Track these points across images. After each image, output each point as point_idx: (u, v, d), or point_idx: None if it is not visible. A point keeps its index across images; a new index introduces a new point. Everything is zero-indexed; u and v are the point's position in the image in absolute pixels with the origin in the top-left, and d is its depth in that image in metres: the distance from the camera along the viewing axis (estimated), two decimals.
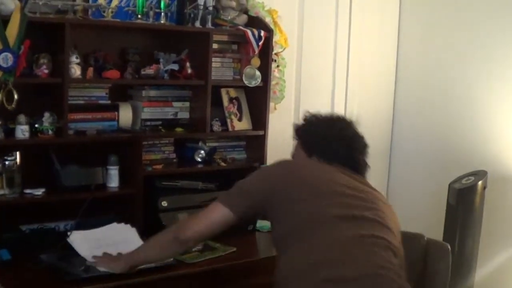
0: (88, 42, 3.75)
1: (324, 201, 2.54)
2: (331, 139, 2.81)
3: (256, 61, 4.05)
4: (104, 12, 3.71)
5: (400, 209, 5.10)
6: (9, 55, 3.26)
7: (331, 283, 2.35)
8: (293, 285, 2.44)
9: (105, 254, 3.15)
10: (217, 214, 2.64)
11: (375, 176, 5.08)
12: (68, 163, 3.64)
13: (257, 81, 4.07)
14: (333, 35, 4.78)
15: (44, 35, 3.54)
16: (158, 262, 3.03)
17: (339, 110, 4.84)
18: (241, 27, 4.02)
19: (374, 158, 5.04)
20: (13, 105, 3.35)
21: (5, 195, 3.47)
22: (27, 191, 3.53)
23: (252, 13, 4.15)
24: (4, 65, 3.26)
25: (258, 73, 4.05)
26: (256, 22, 4.12)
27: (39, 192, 3.53)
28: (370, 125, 4.82)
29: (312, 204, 2.54)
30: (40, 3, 3.45)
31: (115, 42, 3.92)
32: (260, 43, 4.02)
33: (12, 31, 3.29)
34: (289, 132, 4.56)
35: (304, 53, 4.59)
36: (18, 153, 3.51)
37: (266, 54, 4.10)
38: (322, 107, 4.60)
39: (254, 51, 4.02)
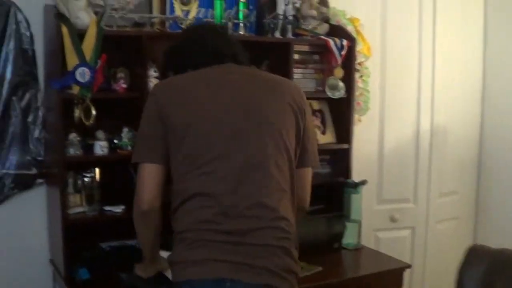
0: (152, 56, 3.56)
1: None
2: (186, 50, 2.68)
3: (339, 72, 3.79)
4: (181, 24, 3.52)
5: (491, 223, 4.91)
6: (86, 70, 3.10)
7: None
8: None
9: None
10: (148, 173, 2.46)
11: (463, 190, 4.86)
12: None
13: (340, 92, 3.81)
14: (416, 42, 4.47)
15: (121, 49, 3.36)
16: (151, 240, 2.76)
17: (425, 120, 4.53)
18: (322, 37, 3.77)
19: (462, 171, 4.84)
20: (91, 121, 3.19)
21: (85, 212, 3.30)
22: (107, 208, 3.36)
23: (333, 22, 3.90)
24: (82, 80, 3.10)
25: (341, 84, 3.79)
26: (337, 31, 3.87)
27: (119, 209, 3.36)
28: (458, 136, 4.51)
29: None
30: (117, 16, 3.28)
31: None
32: (343, 52, 3.76)
33: (88, 45, 3.13)
34: (375, 144, 4.36)
35: (387, 63, 4.30)
36: (97, 169, 3.34)
37: (349, 64, 3.84)
38: (407, 118, 4.38)
39: (336, 61, 3.76)
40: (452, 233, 4.81)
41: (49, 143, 3.40)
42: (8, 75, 3.37)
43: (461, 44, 4.71)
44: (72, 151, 3.22)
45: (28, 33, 3.41)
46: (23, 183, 3.47)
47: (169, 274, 2.80)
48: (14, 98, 3.39)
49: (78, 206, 3.34)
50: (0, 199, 3.43)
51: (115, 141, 3.37)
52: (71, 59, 3.11)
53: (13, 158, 3.42)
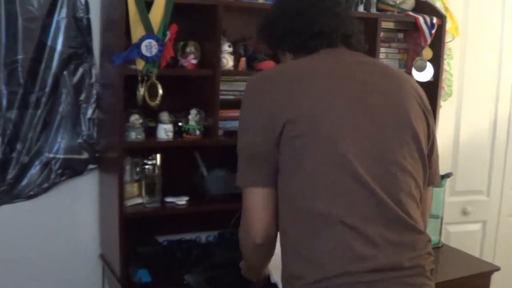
0: (237, 29, 2.93)
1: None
2: (296, 14, 1.98)
3: (428, 52, 3.16)
4: None
5: None
6: (154, 42, 2.50)
7: None
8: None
9: None
10: (261, 201, 1.81)
11: None
12: (214, 168, 2.85)
13: (429, 75, 3.17)
14: (499, 23, 3.84)
15: (191, 19, 2.74)
16: (264, 265, 2.16)
17: (504, 108, 3.91)
18: (411, 13, 3.13)
19: None
20: (157, 101, 2.59)
21: (144, 204, 2.73)
22: (168, 199, 2.80)
23: None
24: (148, 54, 2.50)
25: (430, 65, 3.16)
26: (425, 7, 3.24)
27: (182, 201, 2.79)
28: None
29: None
30: None
31: None
32: (433, 31, 3.13)
33: (157, 15, 2.54)
34: (451, 132, 3.74)
35: (467, 44, 3.66)
36: (158, 156, 2.74)
37: (438, 44, 3.20)
38: (485, 105, 3.78)
39: (426, 41, 3.15)
40: None
41: (105, 125, 2.81)
42: (59, 46, 2.79)
43: None
44: (134, 135, 2.63)
45: (83, 0, 2.79)
46: (72, 169, 2.89)
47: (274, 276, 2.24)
48: (65, 72, 2.81)
49: (136, 196, 2.77)
50: (47, 186, 2.85)
51: (180, 124, 2.77)
52: (136, 30, 2.52)
53: (62, 141, 2.85)
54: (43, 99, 2.76)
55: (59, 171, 2.84)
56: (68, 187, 2.90)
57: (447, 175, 3.22)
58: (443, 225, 3.46)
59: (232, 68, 2.78)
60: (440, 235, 3.28)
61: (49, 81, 2.77)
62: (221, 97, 2.77)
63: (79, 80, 2.83)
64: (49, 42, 2.76)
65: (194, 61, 2.71)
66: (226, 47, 2.75)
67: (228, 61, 2.75)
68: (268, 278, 2.27)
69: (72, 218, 2.94)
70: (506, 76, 3.89)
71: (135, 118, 2.63)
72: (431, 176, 1.92)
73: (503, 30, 3.83)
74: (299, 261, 1.73)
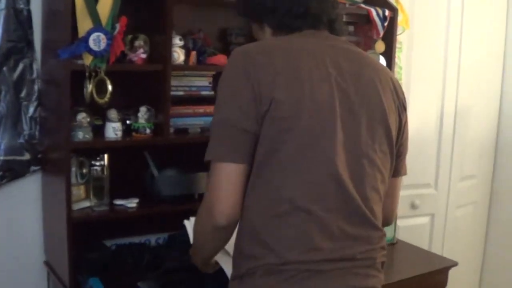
0: (184, 22, 2.78)
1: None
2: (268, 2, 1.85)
3: (380, 46, 3.09)
4: None
5: (506, 208, 4.34)
6: (102, 35, 2.34)
7: None
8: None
9: None
10: (230, 176, 1.65)
11: (481, 173, 4.24)
12: (165, 168, 2.70)
13: None
14: (445, 16, 3.78)
15: (139, 11, 2.58)
16: (214, 254, 1.96)
17: (450, 101, 3.87)
18: (363, 5, 3.05)
19: (481, 154, 4.22)
20: (106, 99, 2.43)
21: (92, 208, 2.56)
22: (117, 202, 2.63)
23: None
24: (96, 48, 2.34)
25: (382, 59, 3.08)
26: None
27: (133, 203, 2.64)
28: (478, 117, 3.99)
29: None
30: None
31: (215, 21, 2.95)
32: (386, 24, 3.05)
33: (105, 6, 2.38)
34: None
35: (415, 37, 3.59)
36: (106, 156, 2.57)
37: (389, 37, 3.13)
38: (432, 97, 3.73)
39: (378, 34, 3.07)
40: (470, 218, 4.23)
41: (49, 123, 2.62)
42: None
43: (484, 24, 4.05)
44: (81, 135, 2.45)
45: None
46: (13, 171, 2.68)
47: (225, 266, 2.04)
48: (4, 68, 2.61)
49: (83, 199, 2.59)
50: None
51: (128, 122, 2.61)
52: (83, 23, 2.35)
53: (2, 141, 2.64)
54: None
55: (0, 173, 2.64)
56: (9, 190, 2.69)
57: None
58: None
59: (183, 63, 2.63)
60: (395, 231, 3.21)
61: None
62: (172, 93, 2.61)
63: (19, 76, 2.63)
64: None
65: (143, 56, 2.55)
66: (177, 41, 2.60)
67: (179, 55, 2.60)
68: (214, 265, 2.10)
69: (14, 223, 2.73)
70: (452, 69, 3.85)
71: (82, 117, 2.45)
72: (401, 167, 1.93)
73: (449, 22, 3.78)
74: (254, 242, 1.68)
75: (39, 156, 2.70)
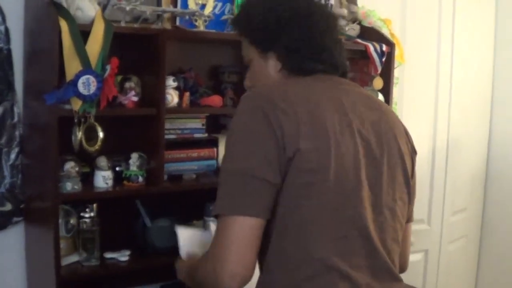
0: (174, 59, 2.54)
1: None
2: (298, 20, 1.66)
3: (379, 82, 2.90)
4: (196, 21, 2.54)
5: (497, 241, 4.18)
6: (92, 78, 2.10)
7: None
8: None
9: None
10: (242, 233, 1.41)
11: (472, 206, 4.09)
12: (158, 217, 2.46)
13: None
14: (435, 49, 3.62)
15: (129, 51, 2.34)
16: None
17: (442, 135, 3.69)
18: (360, 41, 2.85)
19: (472, 187, 4.05)
20: (97, 146, 2.18)
21: (82, 263, 2.30)
22: (108, 255, 2.36)
23: (365, 23, 2.98)
24: (85, 93, 2.10)
25: (381, 96, 2.88)
26: (371, 34, 2.96)
27: (124, 256, 2.38)
28: (468, 150, 3.87)
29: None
30: (127, 8, 2.26)
31: (205, 58, 2.73)
32: (383, 59, 2.86)
33: (94, 46, 2.13)
34: None
35: (406, 70, 3.40)
36: (95, 206, 2.32)
37: (387, 73, 2.94)
38: (424, 132, 3.58)
39: (376, 70, 2.87)
40: (461, 252, 4.05)
41: (33, 172, 2.37)
42: None
43: (474, 60, 3.92)
44: (70, 186, 2.20)
45: (2, 28, 2.37)
46: None
47: None
48: None
49: (71, 254, 2.34)
50: None
51: (118, 168, 2.37)
52: (71, 64, 2.11)
53: None
54: None
55: None
56: None
57: None
58: None
59: (176, 105, 2.40)
60: None
61: None
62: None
63: None
64: None
65: (135, 99, 2.32)
66: (171, 82, 2.37)
67: (173, 98, 2.36)
68: None
69: None
70: (443, 104, 3.69)
71: (70, 166, 2.20)
72: (411, 212, 1.82)
73: (439, 57, 3.63)
74: None
75: (22, 206, 2.44)
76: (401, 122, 1.75)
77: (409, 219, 1.78)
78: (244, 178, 1.42)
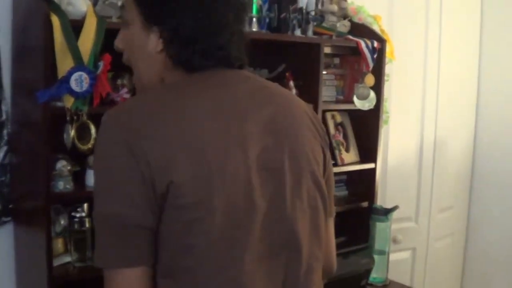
0: None
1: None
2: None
3: (370, 79, 2.87)
4: None
5: (482, 238, 4.18)
6: (85, 75, 2.05)
7: None
8: None
9: None
10: (127, 283, 1.21)
11: (458, 204, 4.08)
12: None
13: (371, 103, 2.90)
14: (423, 46, 3.62)
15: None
16: None
17: (429, 133, 3.69)
18: (351, 37, 2.83)
19: (457, 184, 4.05)
20: (90, 145, 2.12)
21: (73, 263, 2.24)
22: None
23: (355, 19, 2.96)
24: (78, 90, 2.04)
25: (373, 93, 2.86)
26: (362, 30, 2.94)
27: None
28: (455, 148, 3.86)
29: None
30: (119, 3, 2.21)
31: None
32: (375, 56, 2.84)
33: (86, 42, 2.08)
34: (381, 158, 3.44)
35: (394, 67, 3.38)
36: (86, 205, 2.27)
37: (378, 69, 2.92)
38: (411, 129, 3.57)
39: (368, 67, 2.85)
40: (448, 250, 4.05)
41: (22, 171, 2.30)
42: None
43: (460, 57, 3.92)
44: (62, 186, 2.15)
45: None
46: None
47: None
48: None
49: (61, 254, 2.29)
50: None
51: None
52: (64, 61, 2.05)
53: None
54: None
55: None
56: None
57: (393, 209, 2.94)
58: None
59: None
60: (387, 271, 2.98)
61: None
62: None
63: None
64: None
65: (127, 96, 2.26)
66: None
67: None
68: None
69: None
70: (430, 102, 3.68)
71: (62, 165, 2.15)
72: (330, 208, 1.48)
73: (427, 54, 3.63)
74: None
75: (10, 206, 2.37)
76: (303, 109, 1.43)
77: (329, 214, 1.47)
78: (113, 226, 1.20)
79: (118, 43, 1.43)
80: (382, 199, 3.38)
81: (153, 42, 1.32)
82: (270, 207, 1.27)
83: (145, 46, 1.33)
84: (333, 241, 1.53)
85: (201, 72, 1.31)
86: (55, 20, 2.00)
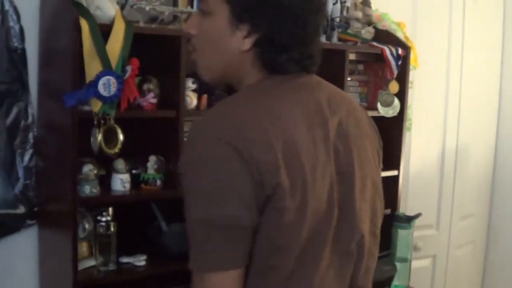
0: (191, 61, 2.48)
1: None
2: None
3: (395, 86, 2.85)
4: None
5: (503, 246, 4.14)
6: (113, 79, 2.04)
7: None
8: None
9: None
10: (225, 286, 1.23)
11: (479, 212, 4.05)
12: (174, 221, 2.39)
13: (395, 110, 2.87)
14: (446, 53, 3.61)
15: (148, 52, 2.28)
16: None
17: (451, 139, 3.66)
18: (376, 44, 2.81)
19: (479, 192, 4.01)
20: (117, 149, 2.12)
21: (98, 267, 2.23)
22: (124, 260, 2.30)
23: (379, 26, 2.93)
24: (106, 94, 2.04)
25: (397, 100, 2.84)
26: (386, 37, 2.92)
27: (140, 261, 2.31)
28: (476, 155, 3.83)
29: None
30: (147, 8, 2.20)
31: None
32: (399, 63, 2.81)
33: (115, 46, 2.07)
34: (402, 165, 3.40)
35: (416, 74, 3.35)
36: (111, 209, 2.26)
37: (402, 77, 2.89)
38: (434, 136, 3.54)
39: (392, 74, 2.83)
40: (468, 257, 4.02)
41: (48, 175, 2.31)
42: None
43: (482, 64, 3.89)
44: (88, 190, 2.14)
45: (17, 27, 2.29)
46: (6, 226, 2.35)
47: None
48: None
49: (86, 258, 2.28)
50: None
51: (134, 171, 2.31)
52: (91, 64, 2.05)
53: None
54: None
55: None
56: (2, 247, 2.35)
57: (416, 216, 2.91)
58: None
59: (194, 108, 2.34)
60: (409, 279, 2.95)
61: None
62: None
63: (13, 121, 2.31)
64: None
65: (153, 101, 2.26)
66: (190, 84, 2.32)
67: (192, 100, 2.31)
68: None
69: (7, 284, 2.38)
70: (453, 107, 3.66)
71: (89, 169, 2.14)
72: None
73: (450, 61, 3.61)
74: None
75: (35, 209, 2.37)
76: (364, 114, 1.48)
77: None
78: (220, 229, 1.20)
79: (191, 28, 1.38)
80: (404, 206, 3.35)
81: (238, 40, 1.30)
82: (341, 210, 1.31)
83: (227, 41, 1.31)
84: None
85: (285, 76, 1.33)
86: (84, 24, 2.00)
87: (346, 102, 1.42)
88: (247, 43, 1.29)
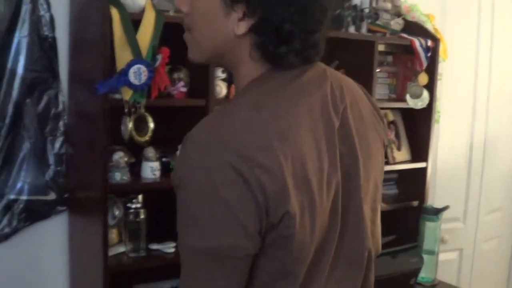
0: None
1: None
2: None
3: (424, 78, 2.83)
4: None
5: None
6: (143, 68, 2.05)
7: None
8: None
9: None
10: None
11: (506, 206, 4.00)
12: None
13: (424, 102, 2.85)
14: (475, 45, 3.55)
15: (177, 41, 2.27)
16: None
17: (479, 132, 3.62)
18: (405, 35, 2.78)
19: (508, 186, 4.00)
20: (147, 137, 2.13)
21: (128, 253, 2.24)
22: (154, 246, 2.31)
23: (408, 18, 2.91)
24: (136, 82, 2.04)
25: (426, 92, 2.81)
26: (415, 29, 2.89)
27: (170, 248, 2.31)
28: (505, 147, 3.71)
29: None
30: None
31: None
32: (429, 54, 2.79)
33: (145, 35, 2.08)
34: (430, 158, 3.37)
35: (444, 68, 3.32)
36: (141, 196, 2.28)
37: (432, 68, 2.87)
38: (461, 129, 3.50)
39: (422, 65, 2.80)
40: (494, 252, 3.97)
41: (78, 162, 2.32)
42: (20, 70, 2.29)
43: (510, 55, 3.81)
44: (118, 177, 2.16)
45: (47, 16, 2.31)
46: (37, 212, 2.38)
47: None
48: (28, 100, 2.31)
49: (116, 244, 2.30)
50: (8, 232, 2.33)
51: (164, 159, 2.32)
52: (122, 54, 2.06)
53: (26, 180, 2.33)
54: (3, 132, 2.26)
55: (23, 215, 2.33)
56: (33, 232, 2.38)
57: (444, 208, 2.89)
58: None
59: (224, 97, 2.34)
60: (435, 271, 2.93)
61: (10, 110, 2.27)
62: None
63: (44, 109, 2.34)
64: (9, 65, 2.26)
65: (183, 89, 2.27)
66: (219, 73, 2.31)
67: (221, 89, 2.31)
68: None
69: (37, 268, 2.41)
70: (481, 100, 3.61)
71: (119, 156, 2.16)
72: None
73: (479, 53, 3.56)
74: None
75: (66, 195, 2.40)
76: (368, 103, 1.30)
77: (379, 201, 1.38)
78: (218, 260, 1.07)
79: (182, 5, 1.20)
80: (431, 198, 3.32)
81: (233, 22, 1.13)
82: (344, 218, 1.20)
83: (222, 22, 1.14)
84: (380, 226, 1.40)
85: (287, 70, 1.17)
86: (114, 13, 2.01)
87: (350, 93, 1.24)
88: (242, 26, 1.12)
